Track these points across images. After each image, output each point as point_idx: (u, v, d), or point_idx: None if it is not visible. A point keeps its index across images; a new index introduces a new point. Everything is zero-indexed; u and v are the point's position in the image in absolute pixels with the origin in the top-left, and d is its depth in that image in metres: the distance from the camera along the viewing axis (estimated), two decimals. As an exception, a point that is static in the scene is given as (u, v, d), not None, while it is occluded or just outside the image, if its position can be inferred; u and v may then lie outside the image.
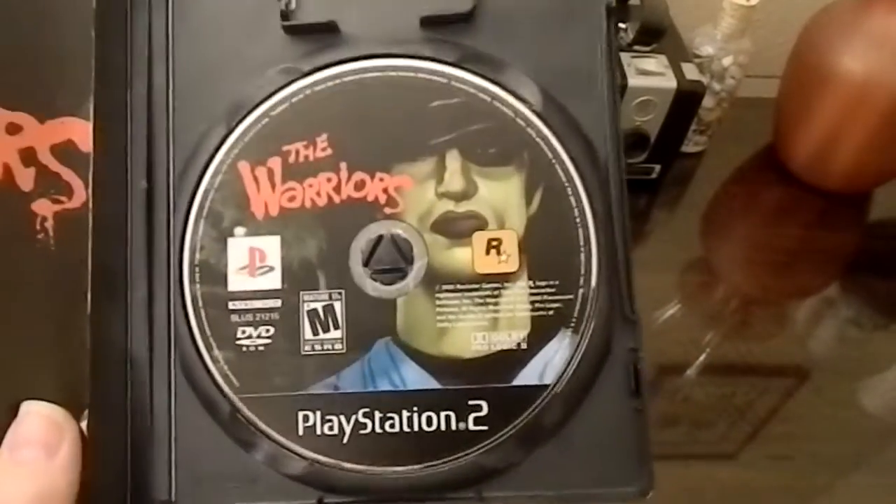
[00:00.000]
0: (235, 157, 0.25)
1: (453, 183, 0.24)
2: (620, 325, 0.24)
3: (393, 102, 0.25)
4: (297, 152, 0.25)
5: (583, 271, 0.24)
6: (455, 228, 0.24)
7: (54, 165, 0.23)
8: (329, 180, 0.24)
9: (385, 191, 0.24)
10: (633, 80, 0.52)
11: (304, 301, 0.24)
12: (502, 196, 0.24)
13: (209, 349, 0.24)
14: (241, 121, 0.25)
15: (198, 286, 0.24)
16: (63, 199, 0.24)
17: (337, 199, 0.24)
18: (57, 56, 0.24)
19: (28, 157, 0.23)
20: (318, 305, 0.24)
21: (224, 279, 0.24)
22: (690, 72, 0.54)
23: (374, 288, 0.24)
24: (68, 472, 0.21)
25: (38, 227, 0.23)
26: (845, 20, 0.53)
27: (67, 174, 0.24)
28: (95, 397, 0.23)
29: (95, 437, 0.22)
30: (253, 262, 0.24)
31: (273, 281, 0.24)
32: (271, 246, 0.24)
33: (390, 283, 0.24)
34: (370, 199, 0.24)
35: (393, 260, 0.24)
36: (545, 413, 0.23)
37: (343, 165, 0.24)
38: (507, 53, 0.25)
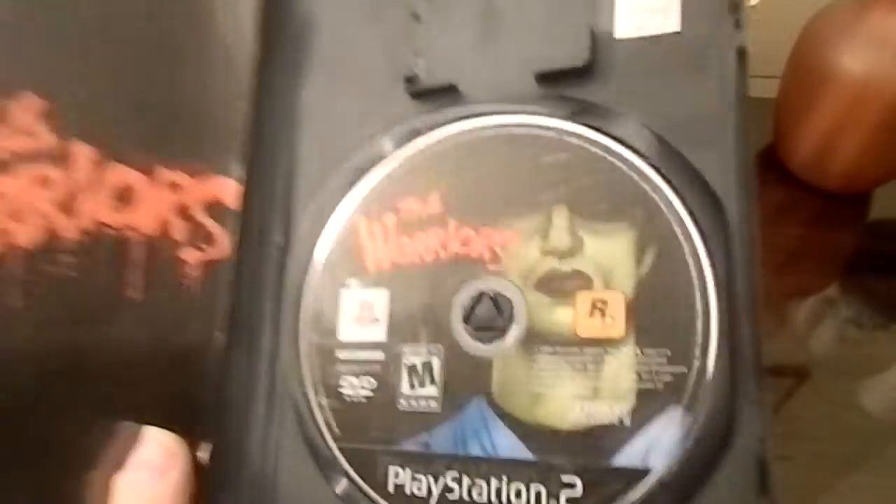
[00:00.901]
0: (354, 213, 0.26)
1: (559, 239, 0.23)
2: (744, 407, 0.20)
3: (505, 158, 0.24)
4: (411, 208, 0.25)
5: (699, 341, 0.21)
6: (558, 287, 0.23)
7: (203, 219, 0.27)
8: (437, 236, 0.25)
9: (489, 247, 0.24)
10: None
11: (404, 355, 0.24)
12: (610, 254, 0.22)
13: (317, 394, 0.25)
14: (362, 177, 0.26)
15: (312, 334, 0.25)
16: (209, 249, 0.26)
17: (443, 255, 0.24)
18: (214, 122, 0.27)
19: (182, 211, 0.26)
20: (417, 360, 0.24)
21: (335, 329, 0.25)
22: None
23: (472, 346, 0.23)
24: (178, 495, 0.23)
25: (184, 272, 0.26)
26: (845, 20, 0.52)
27: (214, 227, 0.27)
28: (215, 430, 0.25)
29: (211, 467, 0.24)
30: (362, 314, 0.25)
31: (378, 333, 0.25)
32: (380, 299, 0.25)
33: (488, 342, 0.23)
34: (474, 254, 0.24)
35: (491, 318, 0.23)
36: (648, 502, 0.20)
37: (452, 221, 0.25)
38: (623, 104, 0.23)
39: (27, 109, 0.24)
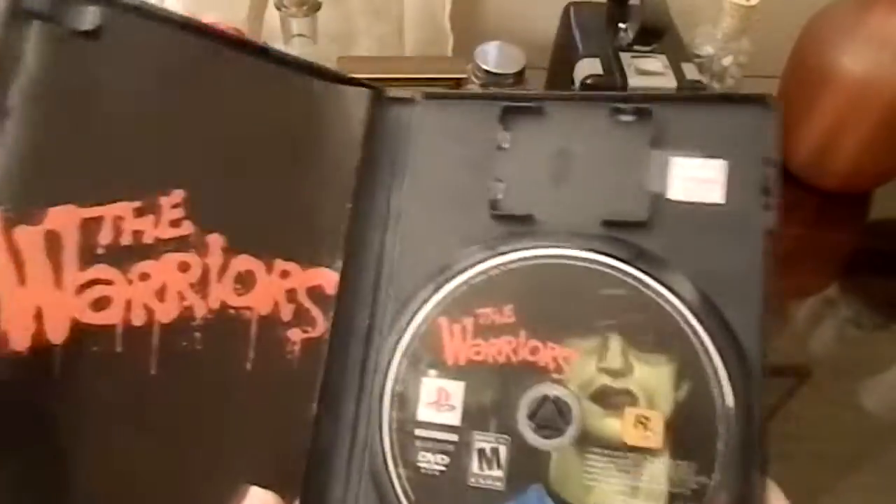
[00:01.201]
0: (437, 312, 0.31)
1: (613, 361, 0.29)
2: (751, 513, 0.26)
3: (570, 285, 0.30)
4: (487, 316, 0.30)
5: (719, 458, 0.27)
6: (610, 401, 0.28)
7: (307, 303, 0.31)
8: (509, 343, 0.30)
9: (554, 358, 0.29)
10: (633, 80, 0.52)
11: (475, 440, 0.29)
12: (654, 380, 0.28)
13: (395, 465, 0.30)
14: (446, 283, 0.31)
15: (394, 412, 0.30)
16: (309, 329, 0.31)
17: (514, 360, 0.30)
18: (322, 220, 0.32)
19: (291, 295, 0.31)
20: (487, 446, 0.29)
21: (415, 410, 0.30)
22: (690, 72, 0.53)
23: (534, 439, 0.29)
24: None
25: (288, 349, 0.30)
26: (845, 20, 0.52)
27: (315, 311, 0.31)
28: (305, 490, 0.29)
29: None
30: (439, 400, 0.30)
31: (453, 418, 0.30)
32: (456, 389, 0.30)
33: (548, 438, 0.29)
34: (541, 363, 0.29)
35: (553, 419, 0.29)
36: (671, 582, 0.26)
37: (522, 332, 0.30)
38: (673, 256, 0.29)
39: (175, 205, 0.28)
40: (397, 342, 0.31)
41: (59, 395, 0.26)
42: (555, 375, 0.29)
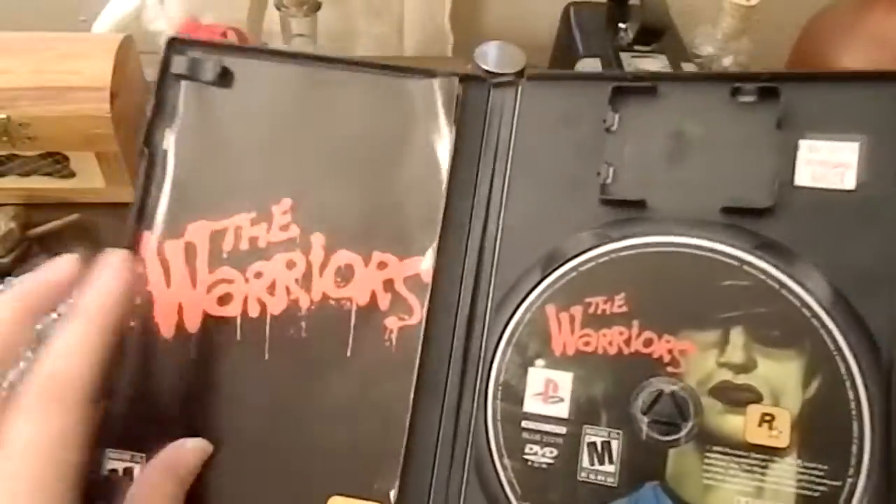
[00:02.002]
0: (545, 301, 0.30)
1: (734, 356, 0.27)
2: (888, 522, 0.25)
3: (687, 275, 0.29)
4: (597, 305, 0.29)
5: (853, 462, 0.25)
6: (731, 397, 0.27)
7: (404, 292, 0.31)
8: (621, 333, 0.29)
9: (670, 351, 0.28)
10: None
11: (586, 433, 0.28)
12: (780, 376, 0.27)
13: (500, 456, 0.29)
14: (553, 270, 0.30)
15: (499, 402, 0.29)
16: (406, 317, 0.30)
17: (626, 351, 0.28)
18: (417, 213, 0.31)
19: (388, 285, 0.31)
20: (598, 440, 0.28)
21: (521, 400, 0.29)
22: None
23: (649, 435, 0.28)
24: None
25: (386, 337, 0.30)
26: (845, 20, 0.52)
27: (412, 299, 0.31)
28: (404, 473, 0.29)
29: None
30: (547, 391, 0.29)
31: (561, 410, 0.29)
32: (564, 380, 0.29)
33: (665, 434, 0.27)
34: (655, 356, 0.28)
35: (671, 414, 0.27)
36: (798, 588, 0.25)
37: (635, 323, 0.29)
38: (802, 247, 0.28)
39: (283, 212, 0.32)
40: (502, 331, 0.30)
41: (194, 374, 0.30)
42: (670, 369, 0.28)
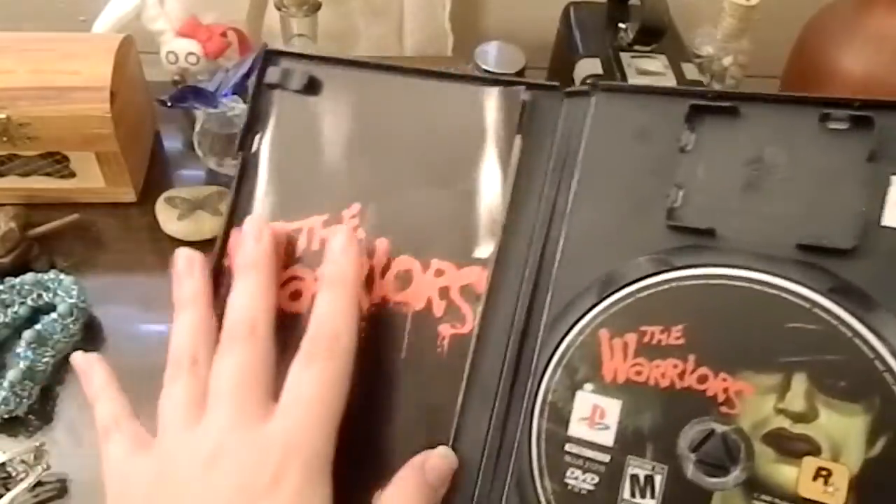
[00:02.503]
0: (598, 324, 0.29)
1: (794, 403, 0.26)
2: None
3: (752, 312, 0.27)
4: (653, 334, 0.28)
5: (915, 531, 0.24)
6: (786, 446, 0.26)
7: (458, 300, 0.31)
8: (675, 366, 0.28)
9: (725, 391, 0.27)
10: (633, 81, 0.52)
11: (629, 464, 0.28)
12: (843, 430, 0.25)
13: (541, 477, 0.29)
14: (610, 294, 0.29)
15: (544, 421, 0.29)
16: (458, 325, 0.31)
17: (679, 385, 0.27)
18: (478, 224, 0.32)
19: (443, 293, 0.31)
20: (641, 472, 0.27)
21: (566, 423, 0.29)
22: (690, 72, 0.53)
23: (695, 474, 0.27)
24: None
25: (438, 343, 0.31)
26: (845, 20, 0.52)
27: (465, 308, 0.31)
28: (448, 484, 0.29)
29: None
30: (593, 417, 0.28)
31: (607, 438, 0.28)
32: (612, 408, 0.28)
33: (711, 476, 0.26)
34: (709, 393, 0.27)
35: (720, 457, 0.26)
36: None
37: (692, 357, 0.27)
38: (882, 294, 0.26)
39: (353, 216, 0.33)
40: (553, 351, 0.30)
41: None
42: (724, 409, 0.27)
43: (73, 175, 0.58)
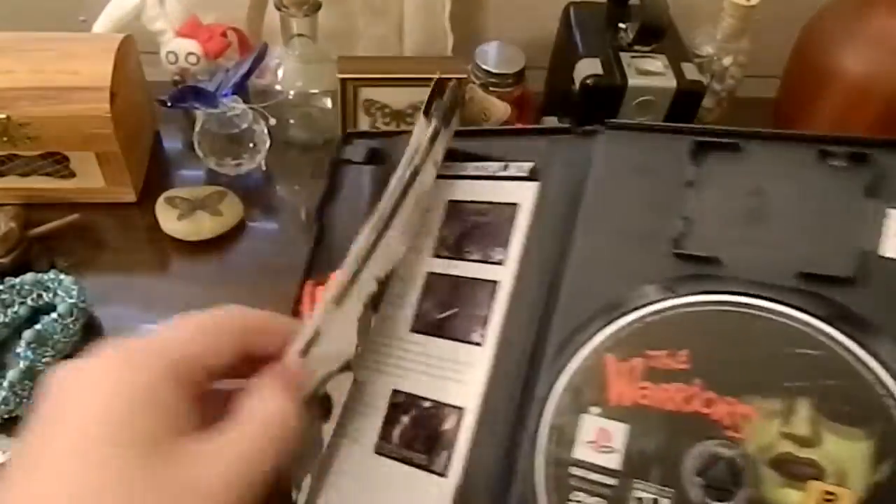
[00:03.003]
0: (605, 349, 0.29)
1: (799, 428, 0.26)
2: None
3: (756, 338, 0.27)
4: (659, 358, 0.29)
5: (917, 556, 0.24)
6: (791, 470, 0.26)
7: None
8: (681, 390, 0.28)
9: (731, 414, 0.27)
10: (633, 80, 0.53)
11: (634, 488, 0.28)
12: (848, 455, 0.26)
13: (548, 499, 0.29)
14: (617, 319, 0.29)
15: (551, 445, 0.30)
16: None
17: (685, 409, 0.28)
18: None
19: None
20: (646, 496, 0.28)
21: (571, 446, 0.29)
22: (690, 72, 0.53)
23: (699, 498, 0.27)
24: None
25: None
26: (845, 20, 0.53)
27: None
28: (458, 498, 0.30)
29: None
30: (599, 440, 0.29)
31: (612, 461, 0.29)
32: (618, 431, 0.29)
33: (716, 500, 0.27)
34: (715, 417, 0.27)
35: (725, 481, 0.27)
36: None
37: (697, 381, 0.28)
38: (881, 321, 0.26)
39: None
40: (559, 373, 0.30)
41: None
42: (730, 433, 0.27)
43: (73, 175, 0.58)
